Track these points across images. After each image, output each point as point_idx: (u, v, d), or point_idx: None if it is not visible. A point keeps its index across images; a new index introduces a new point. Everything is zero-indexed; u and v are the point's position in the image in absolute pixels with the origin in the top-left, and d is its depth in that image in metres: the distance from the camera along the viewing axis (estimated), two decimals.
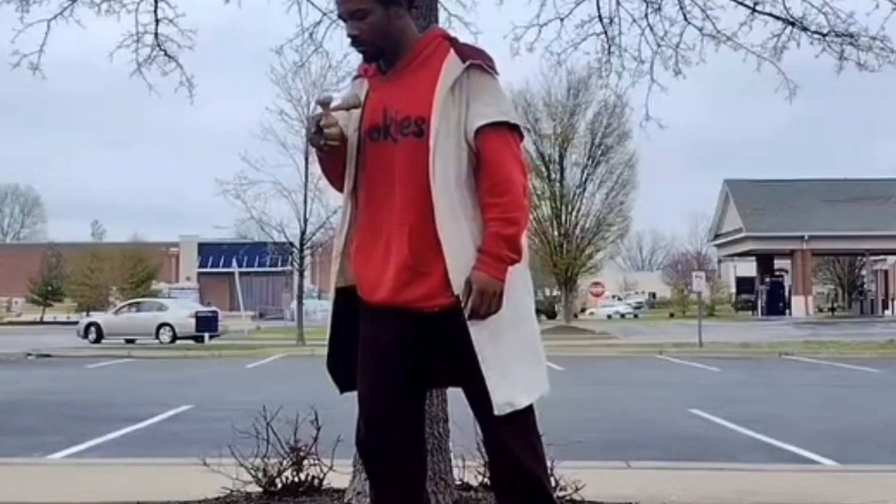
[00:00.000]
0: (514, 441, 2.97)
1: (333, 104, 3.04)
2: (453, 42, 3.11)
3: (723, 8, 6.91)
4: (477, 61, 3.01)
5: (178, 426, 10.07)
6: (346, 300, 3.17)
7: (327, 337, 3.24)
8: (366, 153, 3.10)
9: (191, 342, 31.56)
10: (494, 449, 3.04)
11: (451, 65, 3.01)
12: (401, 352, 3.04)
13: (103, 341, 32.09)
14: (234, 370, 20.22)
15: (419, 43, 3.08)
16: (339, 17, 3.12)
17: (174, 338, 31.97)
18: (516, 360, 2.99)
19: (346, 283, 3.18)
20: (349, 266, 3.17)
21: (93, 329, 33.42)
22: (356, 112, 3.12)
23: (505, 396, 2.92)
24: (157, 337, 32.18)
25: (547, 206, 44.16)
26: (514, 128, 3.03)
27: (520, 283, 3.06)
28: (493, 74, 3.04)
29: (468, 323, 2.92)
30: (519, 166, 3.02)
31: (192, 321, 32.60)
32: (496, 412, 2.91)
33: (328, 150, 3.02)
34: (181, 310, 33.81)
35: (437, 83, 2.99)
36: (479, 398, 2.96)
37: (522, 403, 2.95)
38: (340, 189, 3.22)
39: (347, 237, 3.18)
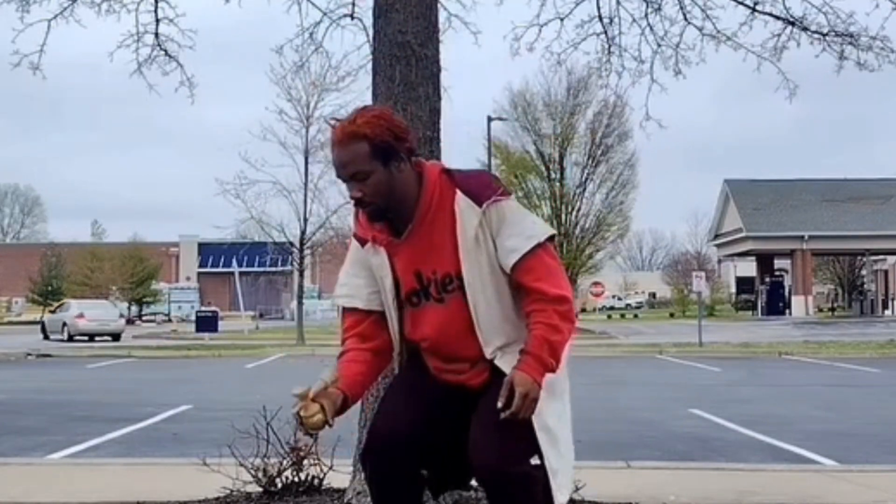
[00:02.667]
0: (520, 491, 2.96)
1: (313, 391, 2.94)
2: (454, 178, 3.02)
3: (723, 8, 6.92)
4: (490, 200, 2.95)
5: (178, 426, 10.06)
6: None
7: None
8: (410, 318, 3.09)
9: (192, 339, 31.66)
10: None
11: (466, 212, 2.95)
12: (442, 397, 3.08)
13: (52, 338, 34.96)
14: (234, 370, 20.21)
15: (424, 194, 2.98)
16: (339, 178, 2.99)
17: (69, 336, 34.27)
18: (568, 457, 3.07)
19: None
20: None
21: (42, 326, 37.44)
22: (388, 281, 3.06)
23: (567, 483, 3.02)
24: (62, 333, 34.81)
25: (547, 206, 44.24)
26: (543, 244, 2.98)
27: (566, 382, 3.12)
28: (507, 198, 2.99)
29: (539, 438, 2.93)
30: (562, 279, 2.99)
31: (79, 321, 34.76)
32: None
33: (314, 434, 3.01)
34: (75, 310, 35.80)
35: (457, 234, 2.95)
36: (482, 451, 2.94)
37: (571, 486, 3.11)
38: None
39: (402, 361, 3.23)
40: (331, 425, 2.93)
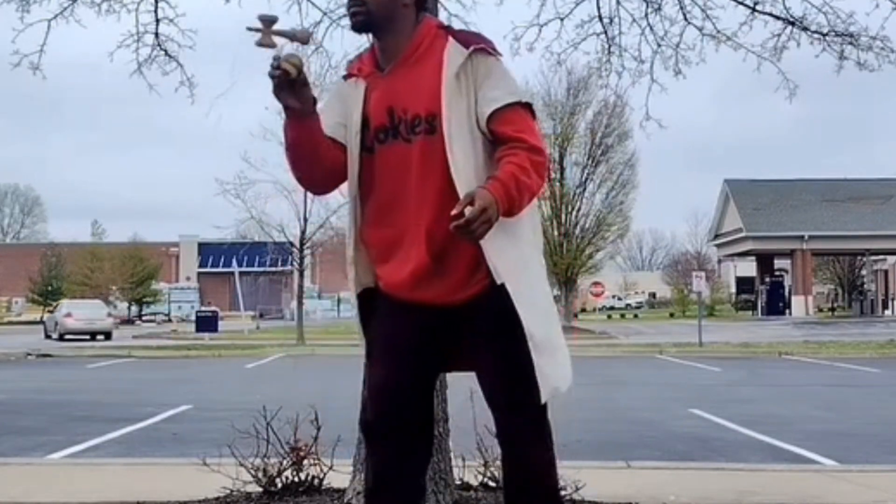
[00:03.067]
0: (530, 431, 2.95)
1: (277, 27, 2.77)
2: (450, 30, 3.06)
3: (723, 8, 6.92)
4: (480, 45, 2.95)
5: (178, 426, 10.06)
6: (369, 301, 3.11)
7: (363, 344, 3.15)
8: (376, 155, 2.99)
9: (193, 340, 31.70)
10: (508, 440, 2.98)
11: (453, 53, 2.92)
12: (420, 343, 2.99)
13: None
14: (234, 370, 20.21)
15: (416, 35, 2.99)
16: None
17: (60, 335, 35.85)
18: (560, 345, 3.00)
19: (363, 288, 3.12)
20: (363, 271, 3.11)
21: (44, 326, 39.14)
22: (356, 114, 3.00)
23: (553, 383, 2.91)
24: (55, 332, 36.59)
25: (547, 206, 44.19)
26: (525, 105, 2.96)
27: (540, 267, 3.06)
28: (497, 56, 2.98)
29: (518, 309, 2.83)
30: (540, 137, 2.96)
31: (67, 320, 36.23)
32: (543, 399, 2.90)
33: (279, 77, 2.76)
34: (65, 310, 37.60)
35: (440, 75, 2.91)
36: (498, 385, 2.93)
37: (563, 390, 2.96)
38: (315, 191, 3.29)
39: (356, 242, 3.09)
40: (299, 73, 2.77)
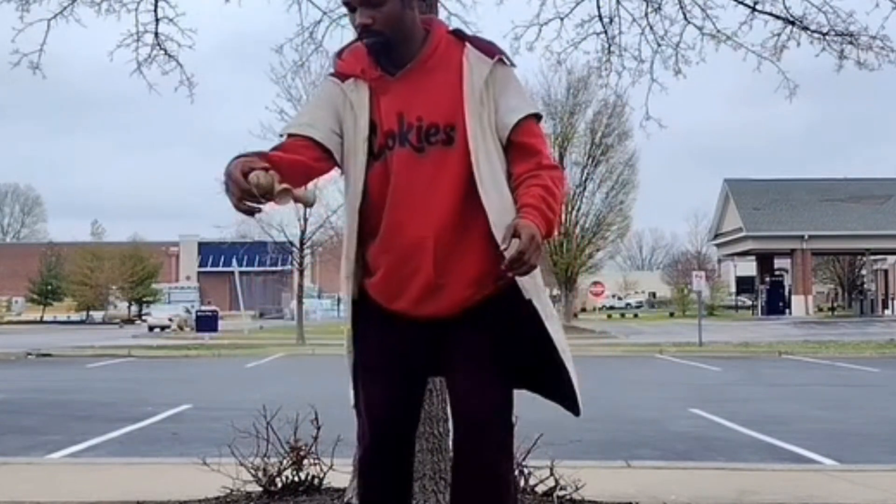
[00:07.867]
0: (501, 442, 2.85)
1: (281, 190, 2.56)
2: (465, 36, 2.96)
3: (723, 7, 6.92)
4: (501, 55, 2.88)
5: (177, 426, 10.07)
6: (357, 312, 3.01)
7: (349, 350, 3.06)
8: (382, 162, 2.84)
9: (193, 339, 31.76)
10: (476, 453, 2.83)
11: (475, 63, 2.84)
12: (415, 355, 2.91)
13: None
14: (234, 369, 20.22)
15: (430, 42, 2.87)
16: (347, 4, 2.82)
17: (149, 328, 47.39)
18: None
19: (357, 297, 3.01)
20: (356, 284, 2.98)
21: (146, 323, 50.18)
22: (362, 119, 2.83)
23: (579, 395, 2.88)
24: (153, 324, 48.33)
25: None
26: (537, 116, 2.94)
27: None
28: (512, 65, 2.94)
29: (545, 321, 2.80)
30: (551, 156, 2.98)
31: (148, 318, 49.83)
32: (581, 412, 2.88)
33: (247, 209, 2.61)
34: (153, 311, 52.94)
35: (462, 85, 2.83)
36: (478, 394, 2.81)
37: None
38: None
39: (355, 257, 2.95)
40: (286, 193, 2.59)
